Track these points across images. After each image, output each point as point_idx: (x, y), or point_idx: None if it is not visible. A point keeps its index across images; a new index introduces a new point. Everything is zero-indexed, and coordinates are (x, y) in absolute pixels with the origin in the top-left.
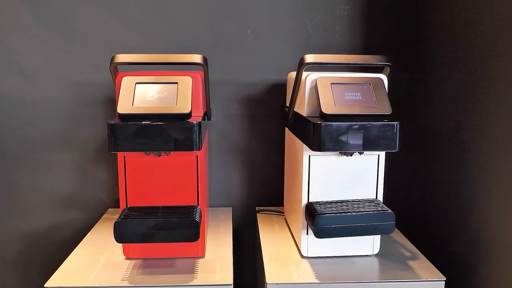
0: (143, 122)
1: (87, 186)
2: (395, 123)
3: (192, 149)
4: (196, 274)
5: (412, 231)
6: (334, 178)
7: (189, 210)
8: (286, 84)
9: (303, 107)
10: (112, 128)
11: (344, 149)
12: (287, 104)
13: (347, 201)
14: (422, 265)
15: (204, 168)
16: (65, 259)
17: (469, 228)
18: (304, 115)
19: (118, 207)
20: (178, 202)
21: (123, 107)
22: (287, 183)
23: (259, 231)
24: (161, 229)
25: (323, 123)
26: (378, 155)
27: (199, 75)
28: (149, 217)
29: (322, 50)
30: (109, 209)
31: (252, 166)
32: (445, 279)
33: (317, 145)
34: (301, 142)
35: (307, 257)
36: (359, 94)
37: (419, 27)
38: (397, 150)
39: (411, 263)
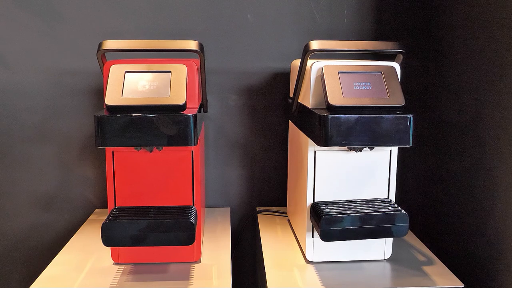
0: (133, 115)
1: (72, 184)
2: (409, 115)
3: (187, 144)
4: (192, 281)
5: (427, 234)
6: (342, 175)
7: (183, 211)
8: (289, 73)
9: (308, 98)
10: (99, 121)
11: (353, 144)
12: (291, 95)
13: (356, 200)
14: (438, 270)
15: (200, 164)
16: (47, 265)
17: (488, 230)
18: (309, 107)
19: (106, 207)
20: (171, 202)
21: (111, 98)
22: (291, 181)
23: (260, 233)
24: (153, 231)
25: (330, 116)
26: (390, 150)
27: (195, 63)
28: (140, 218)
29: (329, 36)
30: (96, 210)
31: (253, 163)
32: (463, 285)
33: (324, 140)
34: (306, 137)
35: (312, 262)
36: (369, 84)
37: (434, 11)
38: (410, 145)
39: (426, 268)
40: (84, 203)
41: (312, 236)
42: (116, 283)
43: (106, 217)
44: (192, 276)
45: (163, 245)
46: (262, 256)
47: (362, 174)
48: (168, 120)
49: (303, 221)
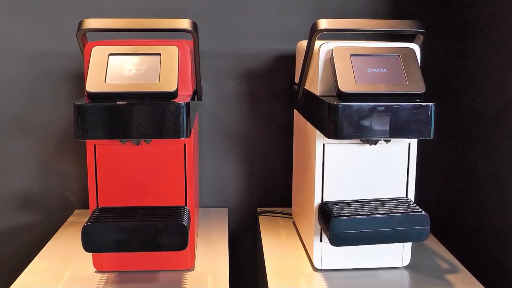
0: (117, 103)
1: (49, 182)
2: (430, 104)
3: (178, 136)
4: None
5: (451, 238)
6: (355, 172)
7: (175, 212)
8: (295, 56)
9: (315, 84)
10: (79, 110)
11: (367, 136)
12: (296, 81)
13: (371, 200)
14: (463, 279)
15: (194, 159)
16: (20, 273)
17: None
18: (317, 94)
19: (87, 208)
20: (161, 202)
21: (93, 84)
22: (296, 178)
23: (261, 237)
24: (140, 235)
25: (341, 104)
26: (409, 143)
27: (187, 44)
28: (126, 220)
29: (340, 14)
30: (76, 211)
31: (253, 158)
32: None
33: (334, 131)
34: (314, 128)
35: (320, 270)
36: (385, 68)
37: None
38: (432, 137)
39: (449, 276)
40: (62, 203)
41: (321, 241)
42: None
43: (87, 219)
44: (185, 286)
45: (151, 250)
46: (264, 263)
47: (377, 170)
48: (157, 109)
49: (310, 223)
